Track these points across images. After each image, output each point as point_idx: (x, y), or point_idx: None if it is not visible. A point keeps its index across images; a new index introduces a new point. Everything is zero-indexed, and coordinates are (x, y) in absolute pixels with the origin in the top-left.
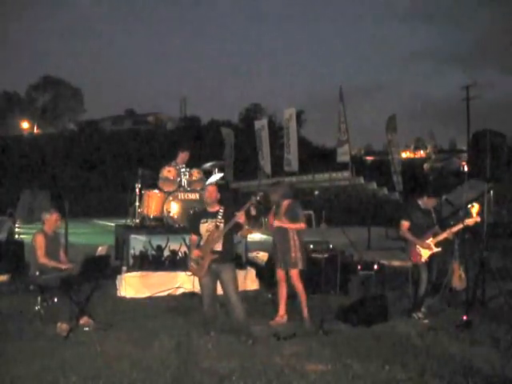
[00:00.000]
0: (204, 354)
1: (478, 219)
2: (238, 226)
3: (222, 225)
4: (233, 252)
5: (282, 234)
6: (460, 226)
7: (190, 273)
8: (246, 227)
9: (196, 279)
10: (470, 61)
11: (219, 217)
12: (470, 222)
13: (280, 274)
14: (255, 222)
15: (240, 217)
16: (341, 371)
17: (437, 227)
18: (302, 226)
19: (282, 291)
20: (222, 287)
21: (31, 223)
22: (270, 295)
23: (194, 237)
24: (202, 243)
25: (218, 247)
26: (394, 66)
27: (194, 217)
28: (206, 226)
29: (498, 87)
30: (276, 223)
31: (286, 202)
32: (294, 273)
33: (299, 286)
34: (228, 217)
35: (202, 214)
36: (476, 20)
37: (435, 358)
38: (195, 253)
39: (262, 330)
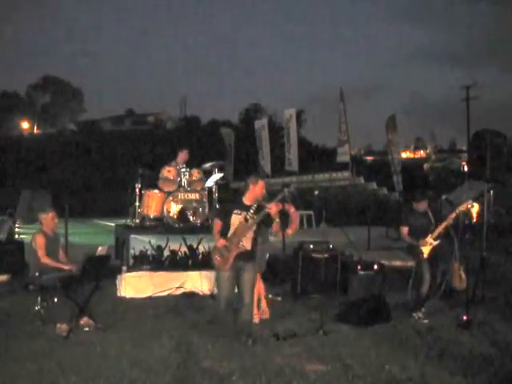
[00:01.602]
0: (204, 354)
1: (470, 205)
2: (268, 220)
3: (250, 219)
4: (256, 252)
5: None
6: (454, 215)
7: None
8: (277, 220)
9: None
10: (470, 61)
11: (251, 210)
12: (463, 207)
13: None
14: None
15: (271, 208)
16: (341, 371)
17: (437, 226)
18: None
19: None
20: (239, 285)
21: (31, 223)
22: (269, 295)
23: (219, 222)
24: (229, 235)
25: (248, 246)
26: (394, 66)
27: (226, 205)
28: (239, 218)
29: (498, 87)
30: None
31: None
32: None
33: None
34: (260, 211)
35: (239, 204)
36: (476, 20)
37: (435, 358)
38: (221, 242)
39: (262, 330)
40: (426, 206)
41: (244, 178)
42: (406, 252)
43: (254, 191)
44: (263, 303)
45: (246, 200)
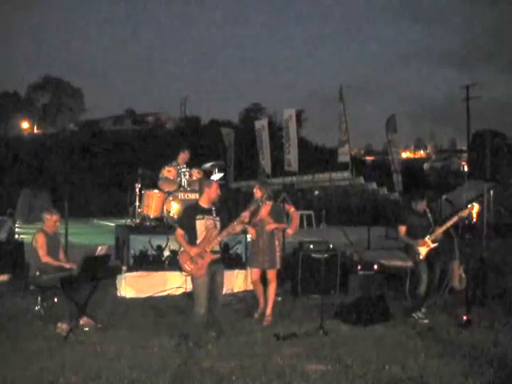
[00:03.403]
0: (204, 354)
1: (472, 210)
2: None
3: (218, 223)
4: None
5: (268, 234)
6: (455, 219)
7: (184, 273)
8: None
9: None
10: (470, 61)
11: (214, 214)
12: (464, 213)
13: (257, 273)
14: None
15: (244, 216)
16: (341, 371)
17: (436, 227)
18: (283, 225)
19: (261, 290)
20: (212, 288)
21: (31, 223)
22: None
23: (181, 231)
24: (198, 241)
25: (217, 247)
26: (394, 66)
27: (186, 211)
28: (203, 222)
29: (498, 87)
30: (271, 226)
31: (270, 203)
32: (274, 272)
33: (274, 286)
34: (221, 214)
35: (197, 209)
36: (476, 20)
37: (435, 358)
38: (194, 250)
39: (262, 330)
40: (424, 206)
41: (244, 178)
42: (404, 251)
43: (209, 194)
44: (269, 309)
45: (203, 203)
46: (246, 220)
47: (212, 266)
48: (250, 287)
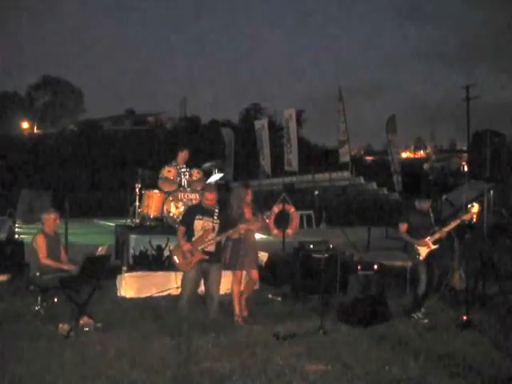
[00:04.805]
0: (204, 354)
1: (474, 213)
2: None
3: (217, 226)
4: (222, 252)
5: (250, 235)
6: (457, 222)
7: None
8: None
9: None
10: (470, 61)
11: (215, 217)
12: (466, 216)
13: (240, 274)
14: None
15: (242, 229)
16: (341, 371)
17: (437, 228)
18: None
19: (238, 291)
20: (207, 286)
21: (31, 223)
22: (270, 295)
23: (182, 228)
24: (193, 239)
25: (211, 248)
26: (394, 66)
27: (189, 210)
28: (201, 223)
29: (498, 87)
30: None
31: (251, 204)
32: (257, 272)
33: (256, 285)
34: (224, 218)
35: (199, 209)
36: (476, 20)
37: (435, 358)
38: (187, 246)
39: (262, 330)
40: (428, 205)
41: (244, 178)
42: (403, 250)
43: (204, 201)
44: (243, 305)
45: (204, 206)
46: (243, 232)
47: (204, 263)
48: None
